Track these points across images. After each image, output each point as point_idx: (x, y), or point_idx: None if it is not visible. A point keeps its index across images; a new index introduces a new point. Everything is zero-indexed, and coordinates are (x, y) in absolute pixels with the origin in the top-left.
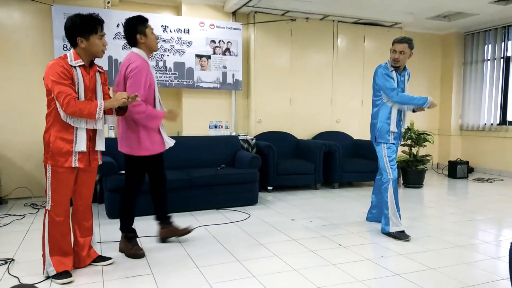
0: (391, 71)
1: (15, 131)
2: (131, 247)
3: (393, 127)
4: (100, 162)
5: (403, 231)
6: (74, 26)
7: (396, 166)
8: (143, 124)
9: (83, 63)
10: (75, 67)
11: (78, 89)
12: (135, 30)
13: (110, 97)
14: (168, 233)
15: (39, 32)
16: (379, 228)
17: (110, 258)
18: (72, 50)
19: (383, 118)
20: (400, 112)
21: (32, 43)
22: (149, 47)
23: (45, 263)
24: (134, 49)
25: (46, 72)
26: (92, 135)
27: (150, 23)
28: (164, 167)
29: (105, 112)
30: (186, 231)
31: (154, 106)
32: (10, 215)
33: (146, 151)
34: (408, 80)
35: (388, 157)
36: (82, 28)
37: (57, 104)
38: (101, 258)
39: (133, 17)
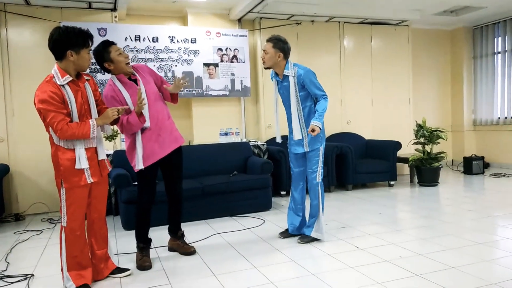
0: (273, 76)
1: (30, 148)
2: (140, 257)
3: (278, 138)
4: (109, 169)
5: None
6: (66, 39)
7: (294, 173)
8: (126, 133)
9: (71, 78)
10: (63, 85)
11: (71, 107)
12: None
13: (103, 103)
14: (174, 246)
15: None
16: (396, 229)
17: (128, 270)
18: (56, 66)
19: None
20: (288, 120)
21: (43, 60)
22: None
23: (64, 279)
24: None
25: (35, 99)
26: (93, 149)
27: (157, 34)
28: (180, 183)
29: None
30: (189, 251)
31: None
32: (28, 230)
33: (142, 164)
34: (297, 84)
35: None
36: (74, 42)
37: (51, 130)
38: (119, 270)
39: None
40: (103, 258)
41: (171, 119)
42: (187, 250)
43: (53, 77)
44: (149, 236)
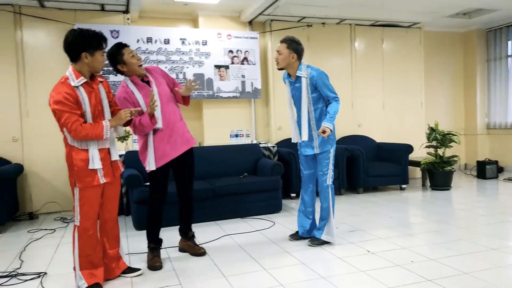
0: (285, 77)
1: (44, 148)
2: (151, 257)
3: (294, 138)
4: (122, 170)
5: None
6: (81, 41)
7: (304, 175)
8: (139, 134)
9: (85, 80)
10: (77, 87)
11: (85, 108)
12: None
13: (116, 104)
14: (184, 247)
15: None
16: (408, 233)
17: (139, 269)
18: (71, 67)
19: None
20: (298, 121)
21: (57, 62)
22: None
23: (76, 277)
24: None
25: (50, 100)
26: (105, 149)
27: (169, 36)
28: (191, 185)
29: None
30: (199, 252)
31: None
32: (42, 229)
33: (154, 165)
34: (309, 86)
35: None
36: (89, 44)
37: (65, 130)
38: (130, 270)
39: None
40: (115, 258)
41: (183, 121)
42: (197, 251)
43: (68, 78)
44: (160, 237)
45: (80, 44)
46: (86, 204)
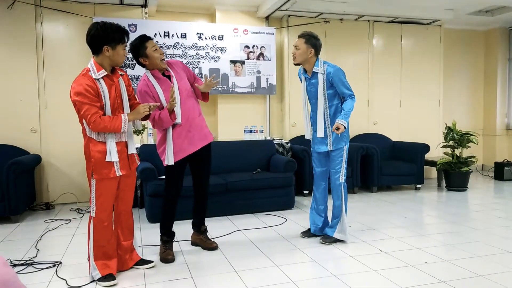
0: (301, 73)
1: (61, 140)
2: (163, 250)
3: (307, 134)
4: (138, 163)
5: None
6: (104, 34)
7: (316, 172)
8: (157, 128)
9: (106, 73)
10: (98, 79)
11: (104, 101)
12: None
13: (135, 98)
14: (196, 240)
15: (82, 44)
16: (422, 234)
17: (151, 262)
18: (92, 60)
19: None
20: (312, 118)
21: (76, 55)
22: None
23: (90, 267)
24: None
25: (71, 91)
26: (123, 142)
27: (186, 31)
28: (207, 179)
29: None
30: (211, 247)
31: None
32: (57, 219)
33: (172, 160)
34: (326, 82)
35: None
36: (111, 37)
37: (84, 122)
38: (143, 262)
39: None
40: (129, 249)
41: (201, 116)
42: (209, 246)
43: (89, 70)
44: (173, 230)
45: (102, 37)
46: (102, 196)
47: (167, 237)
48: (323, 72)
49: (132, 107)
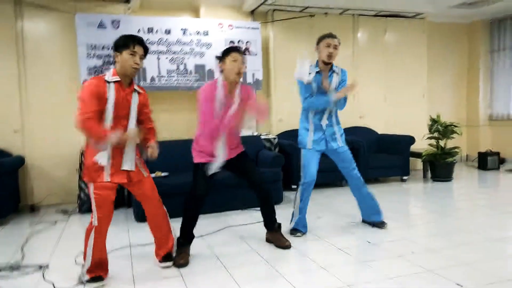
0: (316, 72)
1: (44, 140)
2: (178, 253)
3: (310, 133)
4: (145, 175)
5: (294, 229)
6: (115, 44)
7: (311, 172)
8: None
9: (119, 79)
10: (110, 82)
11: (107, 105)
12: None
13: (151, 120)
14: (270, 238)
15: (64, 41)
16: (409, 224)
17: (171, 260)
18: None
19: (301, 125)
20: (319, 116)
21: (57, 52)
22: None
23: (83, 272)
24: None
25: (80, 91)
26: (118, 153)
27: (170, 26)
28: (256, 171)
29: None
30: (285, 245)
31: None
32: (43, 221)
33: (198, 159)
34: (341, 81)
35: (304, 162)
36: (117, 44)
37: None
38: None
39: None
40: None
41: (239, 137)
42: (282, 244)
43: (105, 75)
44: (193, 233)
45: (115, 46)
46: (102, 207)
47: (184, 240)
48: (338, 72)
49: (145, 129)
